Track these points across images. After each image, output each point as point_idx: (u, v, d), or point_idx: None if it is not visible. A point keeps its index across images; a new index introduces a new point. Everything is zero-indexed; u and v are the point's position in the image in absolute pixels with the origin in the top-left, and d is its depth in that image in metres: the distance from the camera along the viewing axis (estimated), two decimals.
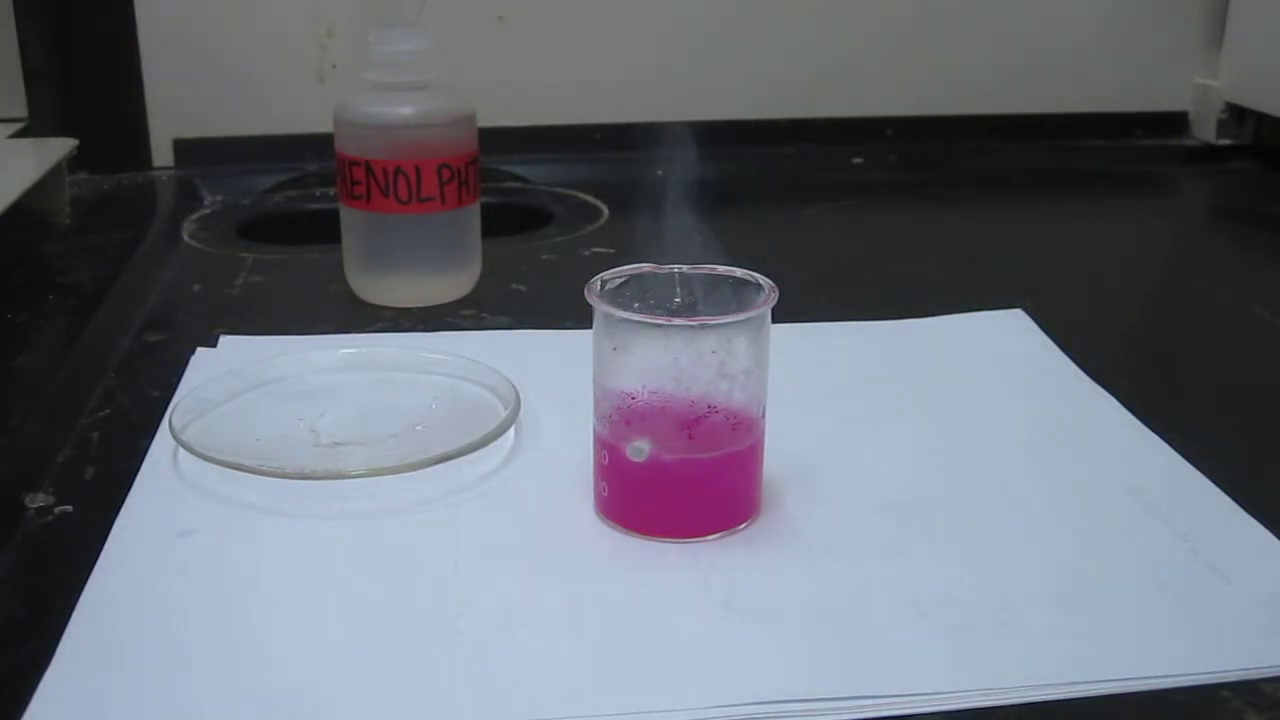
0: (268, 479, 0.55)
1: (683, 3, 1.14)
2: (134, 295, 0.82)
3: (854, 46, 1.17)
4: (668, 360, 0.50)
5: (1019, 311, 0.77)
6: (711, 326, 0.50)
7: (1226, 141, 1.20)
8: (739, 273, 0.53)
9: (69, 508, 0.55)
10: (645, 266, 0.53)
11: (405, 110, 0.76)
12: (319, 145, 0.91)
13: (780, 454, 0.56)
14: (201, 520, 0.54)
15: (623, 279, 0.53)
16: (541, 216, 1.02)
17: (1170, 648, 0.45)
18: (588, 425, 0.54)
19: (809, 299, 0.75)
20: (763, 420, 0.53)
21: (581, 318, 0.54)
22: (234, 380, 0.64)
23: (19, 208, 0.82)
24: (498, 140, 0.94)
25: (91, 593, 0.48)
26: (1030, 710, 0.42)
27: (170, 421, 0.59)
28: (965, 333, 0.75)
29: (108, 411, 0.64)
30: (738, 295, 0.53)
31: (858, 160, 1.18)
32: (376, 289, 0.80)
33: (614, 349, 0.51)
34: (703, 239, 0.53)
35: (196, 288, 0.84)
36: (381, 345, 0.71)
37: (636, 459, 0.51)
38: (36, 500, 0.55)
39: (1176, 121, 1.23)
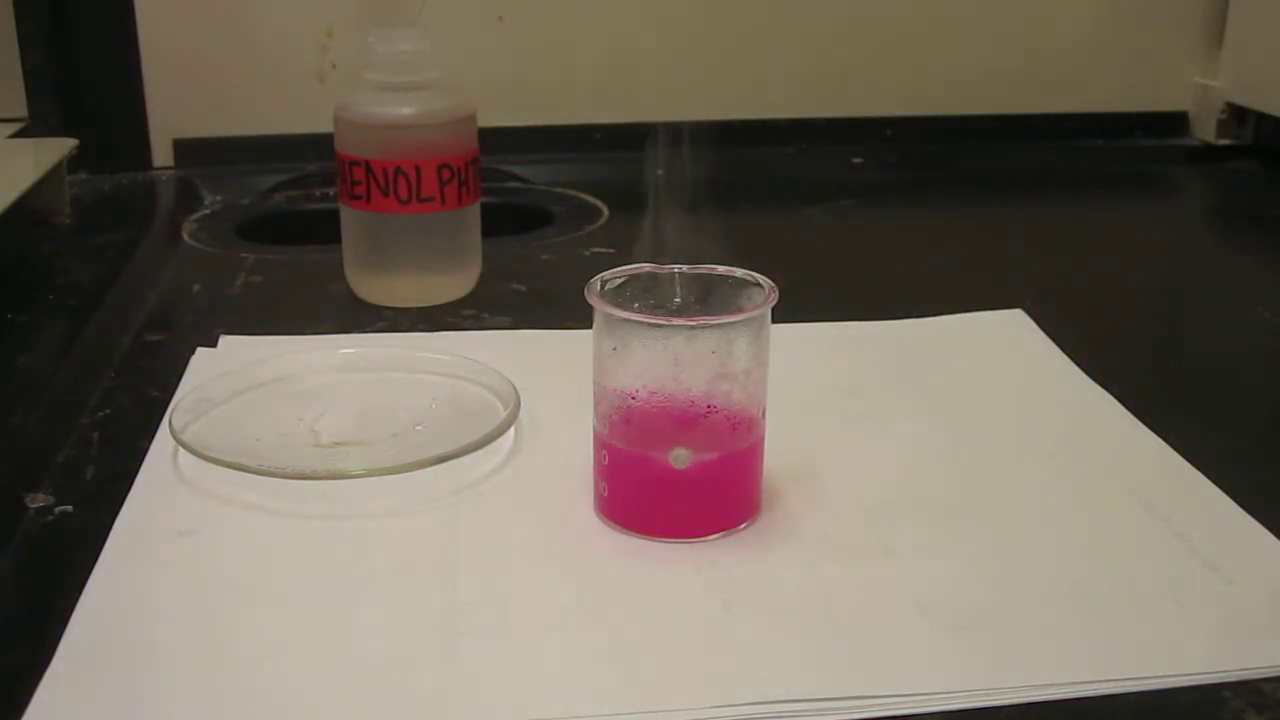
0: (268, 479, 0.55)
1: (683, 3, 1.14)
2: (134, 295, 0.82)
3: (854, 46, 1.17)
4: (668, 360, 0.50)
5: (1019, 312, 0.77)
6: (711, 326, 0.50)
7: (1226, 141, 1.20)
8: (739, 273, 0.53)
9: (69, 508, 0.55)
10: (645, 266, 0.53)
11: (405, 110, 0.76)
12: (319, 145, 0.91)
13: (780, 454, 0.56)
14: (201, 520, 0.54)
15: (623, 279, 0.53)
16: (541, 216, 1.02)
17: (1170, 648, 0.45)
18: (588, 425, 0.54)
19: (809, 299, 0.75)
20: (763, 420, 0.53)
21: (581, 318, 0.54)
22: (234, 380, 0.64)
23: (19, 208, 0.82)
24: (498, 140, 0.94)
25: (91, 593, 0.48)
26: (1030, 710, 0.42)
27: (170, 421, 0.59)
28: (965, 333, 0.75)
29: (108, 411, 0.64)
30: (738, 295, 0.53)
31: (858, 160, 1.17)
32: (376, 289, 0.80)
33: (614, 349, 0.51)
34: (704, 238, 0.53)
35: (196, 288, 0.84)
36: (381, 345, 0.71)
37: (679, 466, 0.51)
38: (36, 500, 0.55)
39: (1176, 121, 1.23)
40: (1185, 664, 0.44)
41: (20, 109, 1.06)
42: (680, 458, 0.51)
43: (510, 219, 0.99)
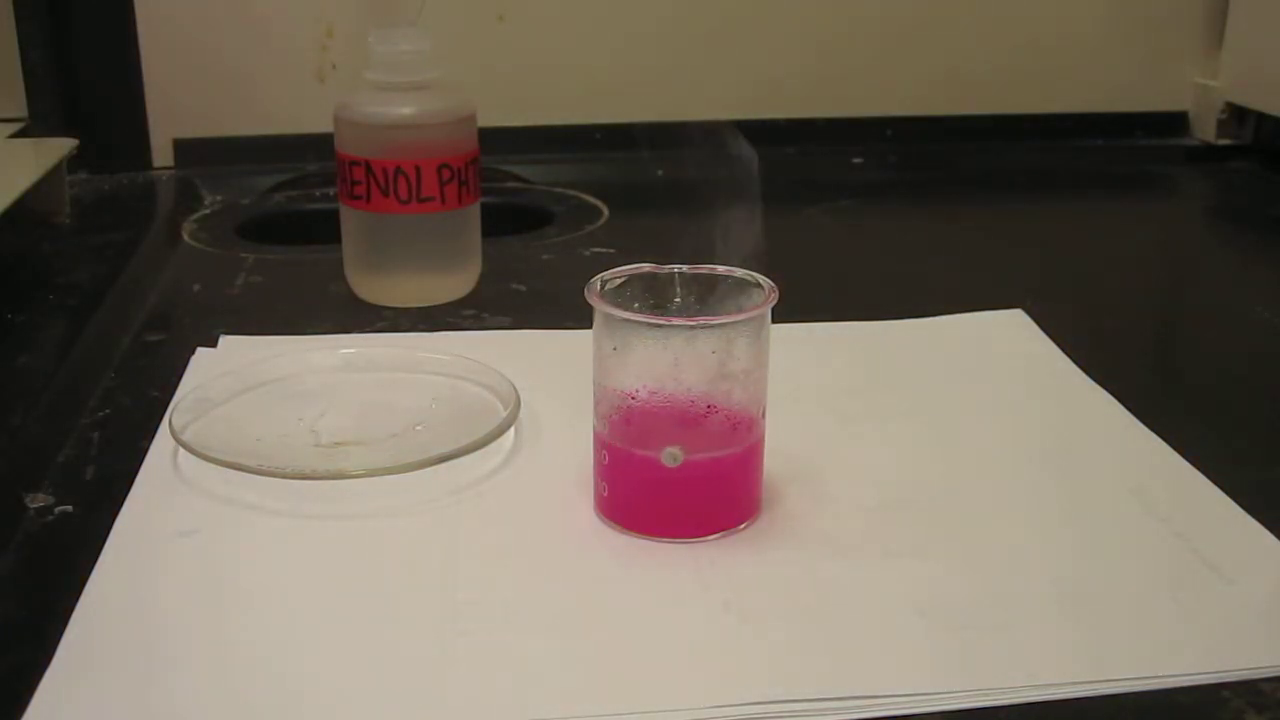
0: (268, 479, 0.55)
1: (683, 3, 1.14)
2: (134, 295, 0.82)
3: (854, 46, 1.17)
4: (668, 360, 0.50)
5: (1019, 312, 0.77)
6: (711, 326, 0.50)
7: (1226, 141, 1.20)
8: (739, 273, 0.53)
9: (69, 508, 0.55)
10: (645, 266, 0.53)
11: (405, 110, 0.76)
12: (319, 145, 0.91)
13: (780, 454, 0.56)
14: (201, 520, 0.54)
15: (623, 279, 0.53)
16: (541, 216, 1.02)
17: (1170, 648, 0.45)
18: (588, 425, 0.54)
19: (809, 299, 0.75)
20: (763, 420, 0.53)
21: (581, 318, 0.54)
22: (234, 380, 0.64)
23: (19, 208, 0.82)
24: (498, 140, 0.94)
25: (91, 593, 0.48)
26: (1030, 710, 0.42)
27: (170, 421, 0.59)
28: (965, 333, 0.75)
29: (108, 411, 0.64)
30: (738, 295, 0.53)
31: (858, 160, 1.18)
32: (376, 289, 0.80)
33: (614, 349, 0.51)
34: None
35: (196, 288, 0.84)
36: (381, 345, 0.71)
37: (671, 464, 0.51)
38: (36, 500, 0.55)
39: (1176, 121, 1.23)
40: (1185, 664, 0.44)
41: (20, 109, 1.06)
42: (673, 455, 0.51)
43: (510, 219, 0.99)
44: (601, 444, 0.53)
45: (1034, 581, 0.49)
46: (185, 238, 0.95)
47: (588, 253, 0.92)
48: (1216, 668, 0.44)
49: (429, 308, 0.79)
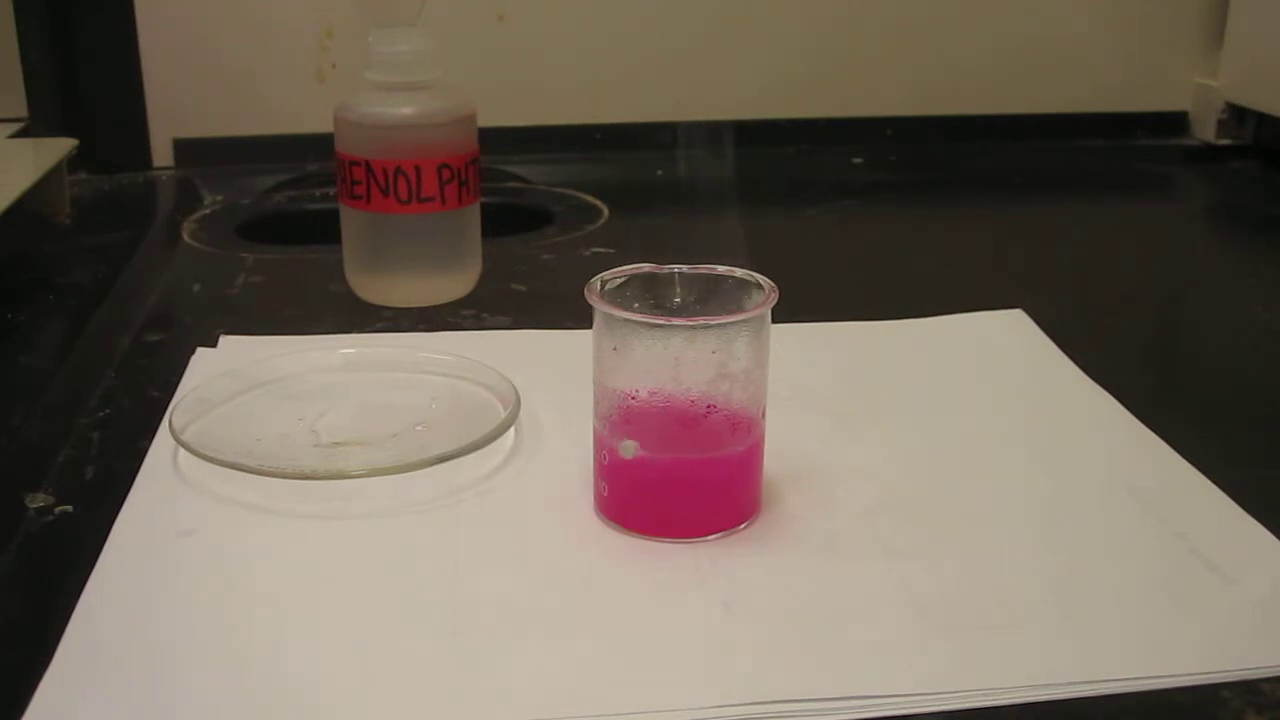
0: (268, 479, 0.55)
1: (683, 3, 1.14)
2: (134, 295, 0.82)
3: (854, 46, 1.17)
4: (668, 360, 0.50)
5: (1019, 312, 0.77)
6: (711, 326, 0.50)
7: (1226, 141, 1.20)
8: (739, 273, 0.53)
9: (69, 508, 0.55)
10: (645, 266, 0.53)
11: (405, 110, 0.76)
12: (319, 145, 0.91)
13: (780, 454, 0.56)
14: (201, 520, 0.54)
15: (623, 279, 0.53)
16: (541, 216, 1.02)
17: (1170, 648, 0.45)
18: (588, 425, 0.54)
19: (809, 299, 0.75)
20: (763, 420, 0.53)
21: (581, 318, 0.54)
22: (234, 380, 0.64)
23: (19, 208, 0.83)
24: (498, 140, 0.94)
25: (91, 593, 0.48)
26: (1030, 710, 0.42)
27: (170, 421, 0.59)
28: (965, 333, 0.75)
29: (108, 411, 0.64)
30: (738, 295, 0.53)
31: (858, 160, 1.18)
32: (376, 289, 0.80)
33: (614, 349, 0.51)
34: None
35: (196, 288, 0.84)
36: (381, 345, 0.71)
37: (626, 456, 0.51)
38: (36, 500, 0.55)
39: (1176, 121, 1.24)
40: (1185, 664, 0.44)
41: (20, 109, 1.06)
42: (628, 448, 0.51)
43: (510, 219, 0.99)
44: (601, 444, 0.53)
45: (1033, 581, 0.49)
46: (185, 238, 0.95)
47: (588, 253, 0.92)
48: (1216, 668, 0.44)
49: (429, 308, 0.79)
